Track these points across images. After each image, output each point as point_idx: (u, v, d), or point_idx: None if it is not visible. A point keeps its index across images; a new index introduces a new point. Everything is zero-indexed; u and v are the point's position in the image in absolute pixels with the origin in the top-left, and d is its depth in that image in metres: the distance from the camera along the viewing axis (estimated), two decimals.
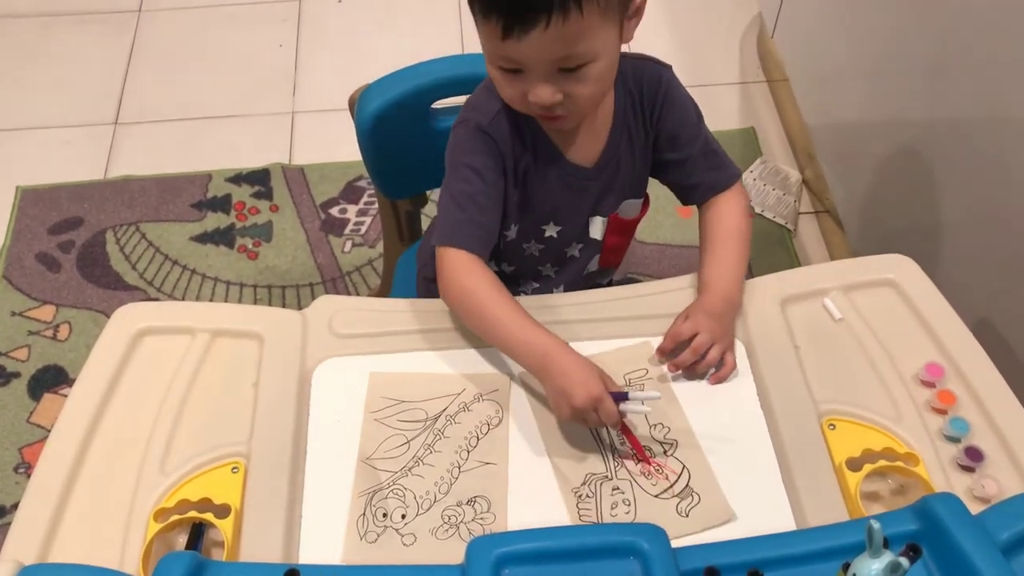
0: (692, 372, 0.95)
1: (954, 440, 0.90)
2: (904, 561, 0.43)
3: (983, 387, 0.93)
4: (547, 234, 1.07)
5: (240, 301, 1.73)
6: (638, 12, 0.91)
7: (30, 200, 1.90)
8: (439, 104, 1.19)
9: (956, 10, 1.29)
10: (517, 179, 1.01)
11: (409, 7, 2.13)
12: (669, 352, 0.96)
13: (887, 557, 0.43)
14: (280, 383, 0.95)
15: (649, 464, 0.88)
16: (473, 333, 0.99)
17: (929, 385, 0.94)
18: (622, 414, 0.88)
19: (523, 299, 1.02)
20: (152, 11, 2.29)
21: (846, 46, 1.67)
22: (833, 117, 1.76)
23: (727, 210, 1.06)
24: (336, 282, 1.76)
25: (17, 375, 1.63)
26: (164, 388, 0.95)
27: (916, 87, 1.43)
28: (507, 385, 0.95)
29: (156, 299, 1.73)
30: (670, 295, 1.03)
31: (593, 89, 0.91)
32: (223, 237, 1.83)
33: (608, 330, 1.00)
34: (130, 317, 1.00)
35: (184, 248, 1.82)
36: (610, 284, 1.23)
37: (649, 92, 1.02)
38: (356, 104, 1.20)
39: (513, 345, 0.92)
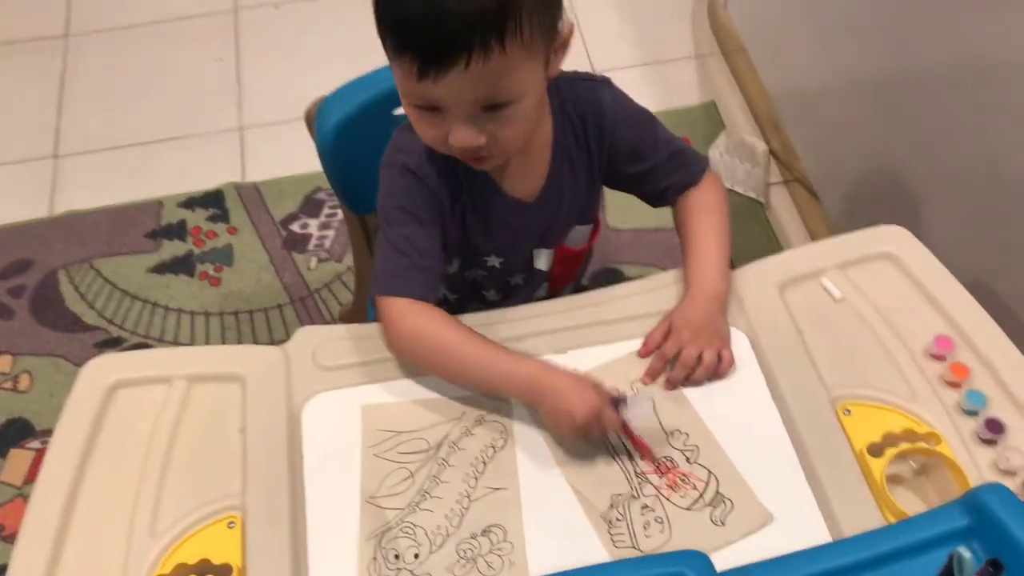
0: (692, 381, 0.92)
1: (972, 413, 0.88)
2: None
3: (994, 355, 0.91)
4: (490, 264, 1.04)
5: (207, 330, 1.66)
6: (564, 46, 0.86)
7: None
8: (401, 111, 1.14)
9: None
10: (455, 218, 0.97)
11: (347, 7, 2.06)
12: (660, 371, 0.93)
13: None
14: (268, 426, 0.89)
15: (652, 458, 0.86)
16: None
17: (940, 359, 0.92)
18: (624, 420, 0.85)
19: (502, 311, 0.99)
20: (79, 35, 2.19)
21: (800, 10, 1.64)
22: (795, 84, 1.73)
23: (701, 203, 1.02)
24: (305, 301, 1.70)
25: None
26: (145, 443, 0.89)
27: (875, 45, 1.41)
28: (508, 404, 0.91)
29: (118, 337, 1.65)
30: (655, 293, 0.99)
31: (518, 130, 0.85)
32: (182, 266, 1.76)
33: (595, 336, 0.96)
34: (100, 370, 0.94)
35: (143, 281, 1.74)
36: (581, 287, 1.21)
37: (592, 116, 0.97)
38: (314, 119, 1.14)
39: (494, 380, 0.88)
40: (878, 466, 0.83)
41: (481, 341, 0.89)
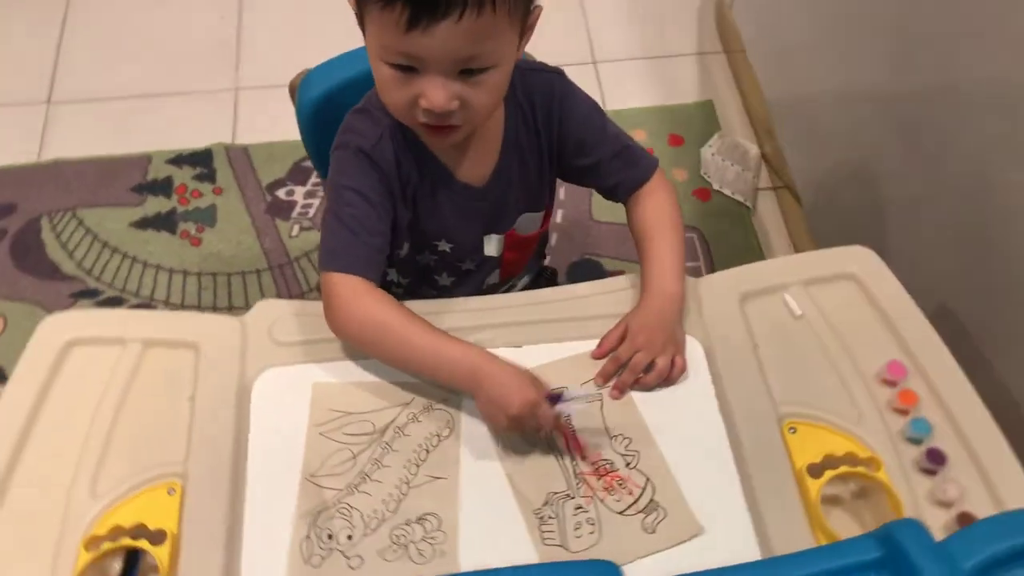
0: (643, 385, 0.92)
1: (916, 442, 0.88)
2: None
3: (945, 386, 0.91)
4: (440, 248, 1.05)
5: (184, 290, 1.66)
6: (531, 28, 0.86)
7: None
8: None
9: None
10: (407, 201, 0.97)
11: None
12: (613, 374, 0.93)
13: None
14: (218, 396, 0.90)
15: (584, 455, 0.86)
16: None
17: (891, 384, 0.92)
18: (558, 416, 0.85)
19: (461, 300, 0.99)
20: None
21: (806, 18, 1.63)
22: (792, 91, 1.73)
23: (651, 204, 1.03)
24: (284, 268, 1.70)
25: None
26: (95, 404, 0.90)
27: (878, 61, 1.40)
28: (457, 395, 0.91)
29: (95, 289, 1.66)
30: (616, 295, 1.00)
31: (489, 99, 0.86)
32: (164, 222, 1.76)
33: (551, 332, 0.96)
34: (57, 327, 0.95)
35: (124, 235, 1.74)
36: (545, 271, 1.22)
37: (542, 104, 0.98)
38: (297, 90, 1.14)
39: (435, 366, 0.88)
40: (815, 487, 0.83)
41: (425, 327, 0.89)
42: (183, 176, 1.83)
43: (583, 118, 1.00)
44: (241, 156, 1.86)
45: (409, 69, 0.82)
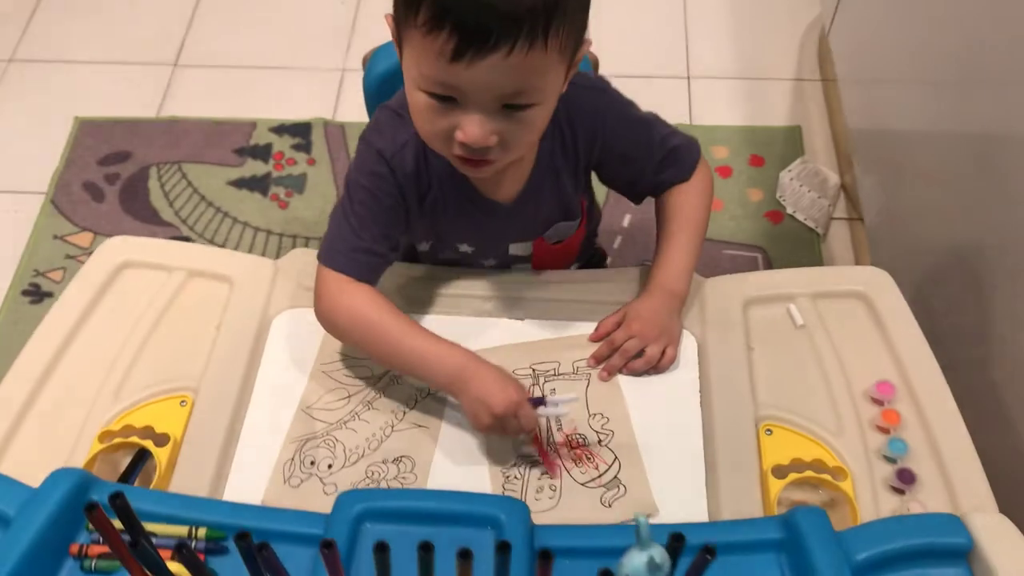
0: (631, 370, 0.95)
1: (891, 460, 0.88)
2: (659, 556, 0.44)
3: (933, 411, 0.91)
4: (462, 250, 1.05)
5: (264, 247, 1.78)
6: (575, 65, 0.83)
7: (86, 131, 1.99)
8: None
9: None
10: (423, 211, 0.97)
11: None
12: (605, 357, 0.96)
13: (652, 551, 0.44)
14: (240, 327, 0.99)
15: (554, 471, 0.88)
16: (432, 300, 1.01)
17: (878, 403, 0.93)
18: (537, 418, 0.88)
19: (476, 271, 1.04)
20: None
21: (902, 51, 1.61)
22: (877, 123, 1.70)
23: (681, 199, 1.02)
24: None
25: (50, 295, 1.72)
26: (134, 320, 0.99)
27: (968, 102, 1.36)
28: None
29: (187, 237, 1.80)
30: (624, 284, 1.03)
31: (529, 136, 0.83)
32: (258, 184, 1.89)
33: (553, 311, 1.01)
34: (116, 248, 1.06)
35: (220, 191, 1.88)
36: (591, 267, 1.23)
37: (583, 125, 0.95)
38: (366, 64, 1.22)
39: (424, 364, 0.89)
40: (776, 487, 0.85)
41: (413, 327, 0.90)
42: (282, 144, 1.95)
43: (626, 134, 0.98)
44: (337, 132, 1.97)
45: (447, 99, 0.78)
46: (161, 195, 1.87)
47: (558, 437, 0.91)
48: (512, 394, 0.86)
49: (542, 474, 0.88)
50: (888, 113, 1.66)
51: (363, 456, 0.90)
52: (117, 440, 0.89)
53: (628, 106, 0.99)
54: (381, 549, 0.48)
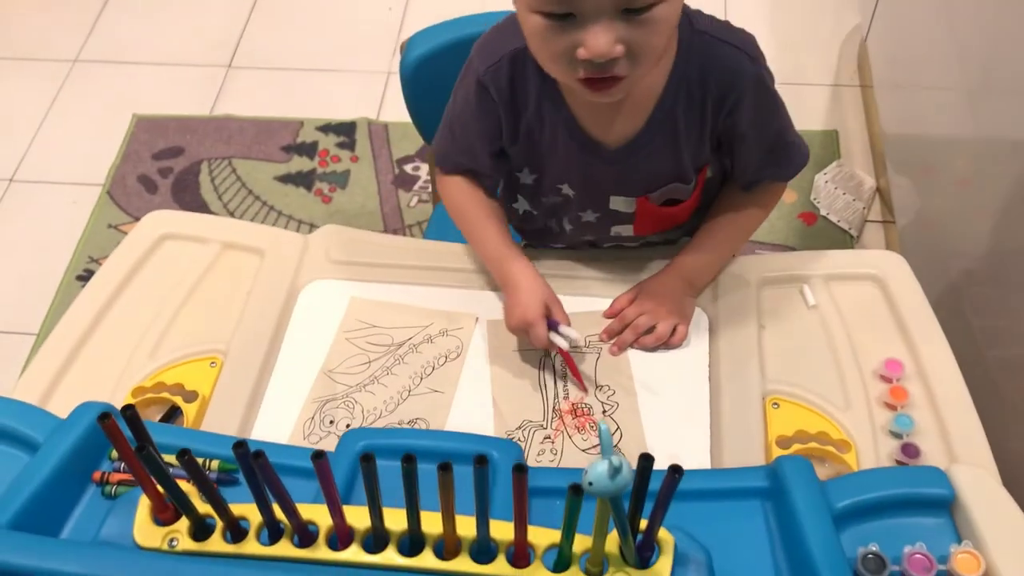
0: (641, 345, 0.97)
1: (896, 436, 0.89)
2: (618, 460, 0.46)
3: (942, 389, 0.91)
4: (563, 192, 1.01)
5: None
6: None
7: (143, 127, 2.07)
8: None
9: None
10: (517, 135, 0.95)
11: None
12: (617, 333, 0.98)
13: (612, 457, 0.46)
14: (269, 295, 1.03)
15: (577, 373, 0.94)
16: (451, 275, 1.05)
17: (886, 380, 0.93)
18: (550, 340, 0.93)
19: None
20: None
21: (937, 57, 1.61)
22: (912, 128, 1.70)
23: (753, 201, 1.01)
24: (396, 233, 1.84)
25: None
26: (171, 287, 1.05)
27: (1002, 112, 1.35)
28: (472, 325, 1.00)
29: None
30: (653, 264, 1.05)
31: (658, 39, 0.76)
32: (303, 180, 1.95)
33: (575, 287, 1.03)
34: (157, 221, 1.11)
35: (267, 186, 1.95)
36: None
37: (719, 83, 0.88)
38: (404, 49, 1.26)
39: (486, 256, 1.01)
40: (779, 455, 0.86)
41: (490, 223, 1.00)
42: (327, 142, 2.02)
43: (757, 116, 0.91)
44: (380, 131, 2.03)
45: (564, 16, 0.74)
46: (211, 188, 1.94)
47: (564, 405, 0.93)
48: (528, 312, 0.93)
49: (544, 439, 0.91)
50: (922, 118, 1.67)
51: (380, 417, 0.93)
52: (149, 395, 0.94)
53: (772, 85, 0.92)
54: (367, 459, 0.51)
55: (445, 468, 0.50)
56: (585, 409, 0.93)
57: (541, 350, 0.97)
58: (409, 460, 0.50)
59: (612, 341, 0.98)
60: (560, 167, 0.98)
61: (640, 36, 0.75)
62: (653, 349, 0.98)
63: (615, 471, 0.46)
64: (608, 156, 0.94)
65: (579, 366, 0.96)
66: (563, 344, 0.92)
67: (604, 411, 0.93)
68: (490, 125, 0.96)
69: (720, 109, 0.89)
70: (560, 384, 0.95)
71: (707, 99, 0.89)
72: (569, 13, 0.73)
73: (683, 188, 0.98)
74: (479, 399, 0.94)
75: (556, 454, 0.89)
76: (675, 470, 0.51)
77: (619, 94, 0.81)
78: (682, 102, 0.88)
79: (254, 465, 0.53)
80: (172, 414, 0.95)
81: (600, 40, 0.73)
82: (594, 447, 0.90)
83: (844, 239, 1.78)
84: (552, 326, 0.93)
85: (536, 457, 0.89)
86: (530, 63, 0.87)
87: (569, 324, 0.94)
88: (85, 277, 1.81)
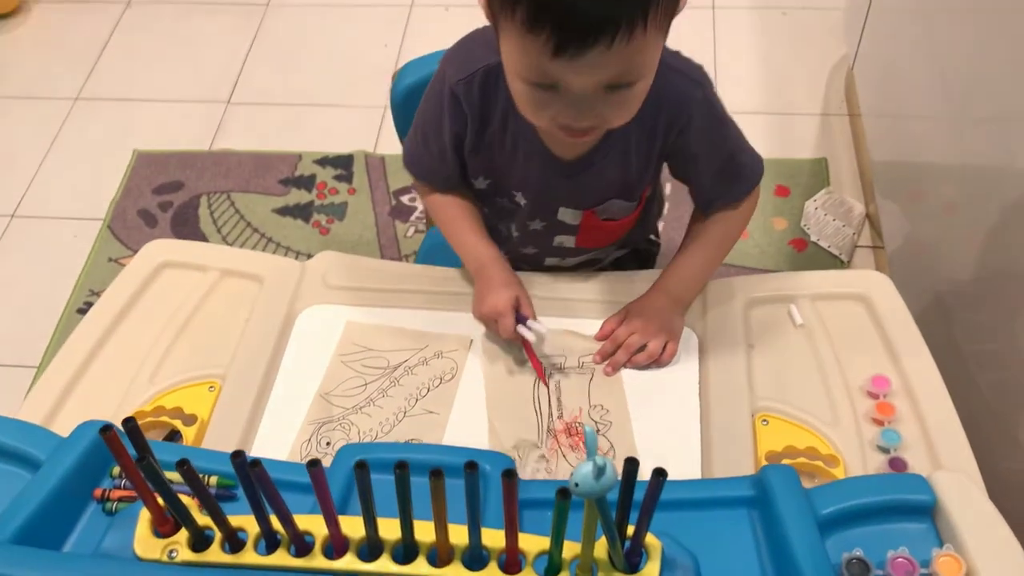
0: (633, 364, 0.99)
1: (884, 451, 0.91)
2: (602, 461, 0.48)
3: (928, 405, 0.93)
4: (516, 200, 1.06)
5: None
6: (677, 11, 0.79)
7: (143, 162, 2.11)
8: None
9: None
10: (480, 145, 1.00)
11: None
12: (609, 354, 1.00)
13: (597, 458, 0.48)
14: (267, 321, 1.05)
15: (542, 374, 0.98)
16: (446, 298, 1.07)
17: (873, 396, 0.95)
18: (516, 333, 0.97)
19: None
20: (278, 6, 2.48)
21: (922, 86, 1.64)
22: (899, 155, 1.74)
23: (722, 220, 1.05)
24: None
25: None
26: (170, 314, 1.07)
27: (987, 138, 1.38)
28: (466, 347, 1.02)
29: None
30: (636, 285, 1.07)
31: (629, 112, 0.83)
32: (301, 212, 1.98)
33: (564, 309, 1.05)
34: (157, 250, 1.13)
35: (266, 218, 1.97)
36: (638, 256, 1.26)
37: (670, 109, 0.93)
38: (394, 79, 1.29)
39: (464, 252, 1.06)
40: None
41: (467, 223, 1.07)
42: (325, 175, 2.05)
43: (707, 135, 0.97)
44: (377, 164, 2.06)
45: (550, 87, 0.78)
46: (210, 221, 1.97)
47: (558, 425, 0.95)
48: (498, 304, 0.97)
49: (539, 458, 0.92)
50: (910, 145, 1.69)
51: (376, 438, 0.95)
52: (149, 419, 0.95)
53: (719, 107, 0.97)
54: (360, 466, 0.53)
55: (437, 475, 0.52)
56: (579, 427, 0.95)
57: (535, 380, 0.99)
58: (402, 467, 0.52)
59: (606, 362, 1.00)
60: (517, 177, 1.03)
61: (619, 107, 0.81)
62: (645, 367, 1.00)
63: (600, 472, 0.48)
64: (564, 169, 0.99)
65: (571, 389, 0.98)
66: (531, 337, 0.96)
67: (598, 430, 0.94)
68: (458, 132, 0.99)
69: (671, 130, 0.95)
70: (555, 404, 0.97)
71: (659, 121, 0.94)
72: (555, 84, 0.78)
73: (627, 206, 1.05)
74: (474, 419, 0.96)
75: (551, 473, 0.91)
76: (659, 473, 0.53)
77: (593, 141, 0.92)
78: (634, 124, 0.90)
79: (251, 474, 0.54)
80: (172, 437, 0.97)
81: (582, 120, 0.81)
82: None
83: (835, 264, 1.81)
84: (520, 319, 0.97)
85: (532, 475, 0.90)
86: (501, 80, 0.90)
87: (536, 319, 0.97)
88: (86, 310, 1.82)
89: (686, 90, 0.92)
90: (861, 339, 1.01)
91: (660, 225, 1.29)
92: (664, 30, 0.79)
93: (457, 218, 1.07)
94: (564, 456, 0.92)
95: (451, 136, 1.00)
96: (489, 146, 1.00)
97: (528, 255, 1.15)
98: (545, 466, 0.91)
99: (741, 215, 1.07)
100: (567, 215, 1.06)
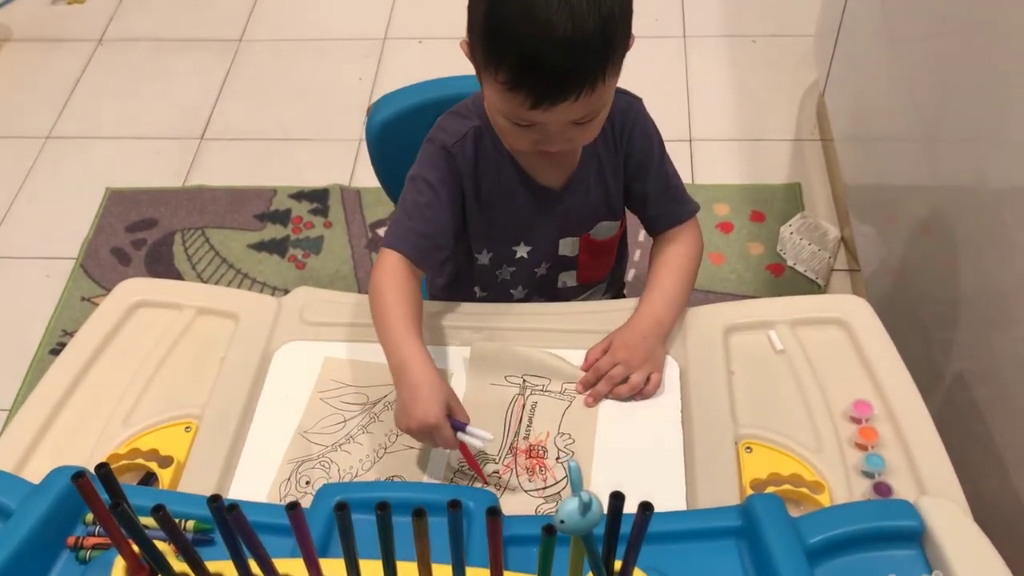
0: (615, 395, 0.99)
1: (868, 475, 0.90)
2: (588, 497, 0.47)
3: (910, 429, 0.93)
4: (518, 255, 1.13)
5: None
6: (628, 49, 0.94)
7: (115, 200, 2.09)
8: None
9: (1013, 80, 1.16)
10: (480, 203, 1.07)
11: None
12: (592, 384, 1.00)
13: (583, 494, 0.47)
14: (244, 359, 1.04)
15: (484, 478, 0.92)
16: (426, 332, 1.05)
17: (856, 421, 0.95)
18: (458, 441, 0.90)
19: (481, 305, 1.09)
20: (250, 41, 2.49)
21: (891, 110, 1.67)
22: (872, 179, 1.75)
23: (677, 245, 1.11)
24: None
25: None
26: (145, 354, 1.05)
27: (957, 159, 1.40)
28: (447, 379, 1.01)
29: None
30: (619, 314, 1.07)
31: (595, 133, 0.99)
32: (277, 247, 1.97)
33: (548, 340, 1.05)
34: (131, 289, 1.12)
35: (241, 254, 1.96)
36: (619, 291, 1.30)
37: (620, 121, 1.06)
38: (369, 112, 1.29)
39: (385, 347, 0.95)
40: None
41: (403, 314, 0.95)
42: (300, 209, 2.04)
43: (646, 144, 1.09)
44: (353, 197, 2.06)
45: (528, 125, 0.94)
46: (185, 258, 1.95)
47: (522, 444, 0.95)
48: (432, 415, 0.88)
49: (491, 474, 0.92)
50: (882, 168, 1.71)
51: (356, 476, 0.93)
52: (124, 462, 0.94)
53: (652, 124, 1.10)
54: (340, 508, 0.52)
55: (419, 515, 0.51)
56: (541, 452, 0.94)
57: (515, 396, 0.99)
58: (383, 508, 0.51)
59: (587, 392, 1.00)
60: (518, 227, 1.11)
61: (585, 132, 0.97)
62: (628, 399, 0.99)
63: (585, 508, 0.47)
64: (555, 197, 1.09)
65: (545, 412, 0.98)
66: (477, 444, 0.89)
67: (558, 458, 0.94)
68: (455, 190, 1.05)
69: (623, 135, 1.08)
70: (525, 422, 0.96)
71: (615, 136, 1.07)
72: (532, 124, 0.93)
73: (612, 225, 1.16)
74: (452, 453, 0.95)
75: (499, 489, 0.91)
76: (645, 507, 0.52)
77: (571, 157, 1.06)
78: (600, 142, 1.05)
79: (229, 519, 0.53)
80: (147, 480, 0.95)
81: (556, 146, 0.97)
82: (536, 490, 0.91)
83: (812, 288, 1.81)
84: (457, 426, 0.90)
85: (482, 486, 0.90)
86: (487, 137, 1.04)
87: (469, 422, 0.91)
88: (59, 351, 1.79)
89: (627, 103, 1.07)
90: (841, 364, 1.01)
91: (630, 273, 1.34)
92: (618, 70, 0.93)
93: (395, 304, 0.97)
94: (517, 476, 0.92)
95: (450, 195, 1.04)
96: (488, 199, 1.07)
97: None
98: (496, 482, 0.91)
99: (692, 237, 1.12)
100: (567, 247, 1.14)
